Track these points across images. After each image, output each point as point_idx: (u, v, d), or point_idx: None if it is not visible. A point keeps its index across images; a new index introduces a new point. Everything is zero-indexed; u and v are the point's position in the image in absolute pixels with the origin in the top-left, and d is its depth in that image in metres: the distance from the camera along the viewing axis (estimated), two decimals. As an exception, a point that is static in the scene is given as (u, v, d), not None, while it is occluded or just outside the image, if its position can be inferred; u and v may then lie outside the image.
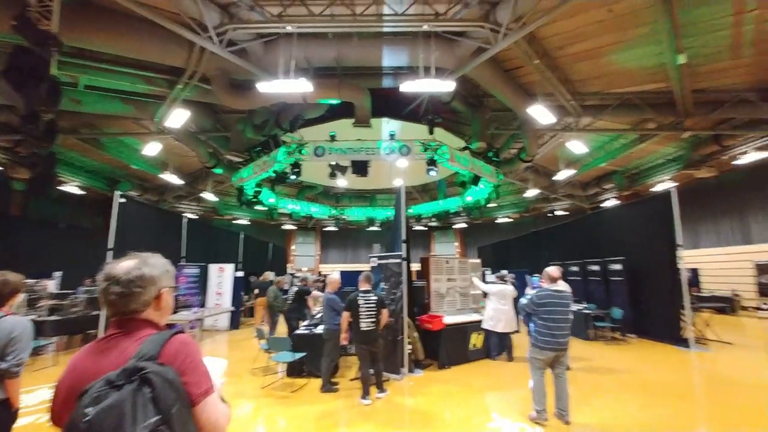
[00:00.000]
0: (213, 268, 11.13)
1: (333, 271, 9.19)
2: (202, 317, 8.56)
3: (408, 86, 7.00)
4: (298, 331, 5.85)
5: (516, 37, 7.02)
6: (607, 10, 7.16)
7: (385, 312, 4.64)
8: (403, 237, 5.86)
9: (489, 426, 4.01)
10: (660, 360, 6.72)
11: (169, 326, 1.26)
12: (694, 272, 14.04)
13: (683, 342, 7.45)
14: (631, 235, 9.33)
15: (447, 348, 6.26)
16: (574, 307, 8.48)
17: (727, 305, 12.23)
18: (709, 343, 7.76)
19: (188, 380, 1.05)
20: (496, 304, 6.43)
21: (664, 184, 14.63)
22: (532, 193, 17.93)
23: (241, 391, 5.13)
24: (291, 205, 18.52)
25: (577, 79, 10.03)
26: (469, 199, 15.18)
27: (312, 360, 5.41)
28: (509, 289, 6.59)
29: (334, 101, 9.03)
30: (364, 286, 4.70)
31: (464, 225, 26.99)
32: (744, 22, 7.32)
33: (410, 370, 5.78)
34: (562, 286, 3.84)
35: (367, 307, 4.51)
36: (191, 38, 7.07)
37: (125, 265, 1.16)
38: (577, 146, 12.44)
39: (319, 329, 5.34)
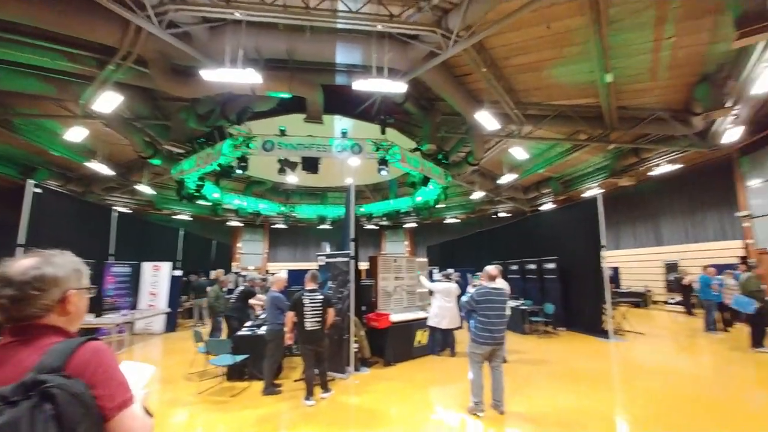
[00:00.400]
0: (147, 267, 10.30)
1: (281, 270, 8.91)
2: (132, 320, 7.89)
3: (360, 84, 6.99)
4: (240, 332, 5.60)
5: (465, 45, 7.29)
6: (545, 27, 7.67)
7: (331, 311, 4.60)
8: (352, 235, 5.85)
9: (431, 419, 4.14)
10: (584, 350, 7.39)
11: (89, 331, 1.13)
12: (615, 271, 15.58)
13: (604, 333, 8.25)
14: (563, 236, 10.12)
15: (393, 345, 6.36)
16: (512, 303, 9.07)
17: (641, 300, 13.73)
18: (625, 333, 8.69)
19: (100, 393, 0.94)
20: (441, 302, 6.64)
21: (592, 190, 16.07)
22: (478, 195, 18.76)
23: (176, 399, 4.81)
24: (237, 201, 17.67)
25: (521, 89, 10.68)
26: (419, 199, 15.53)
27: (254, 362, 5.22)
28: (453, 287, 6.82)
29: (285, 95, 8.76)
30: (309, 285, 4.62)
31: (414, 225, 27.59)
32: (662, 48, 8.24)
33: (356, 369, 5.79)
34: (500, 284, 4.08)
35: (312, 307, 4.44)
36: (126, 16, 6.46)
37: (22, 265, 1.02)
38: (519, 152, 13.25)
39: (263, 330, 5.15)
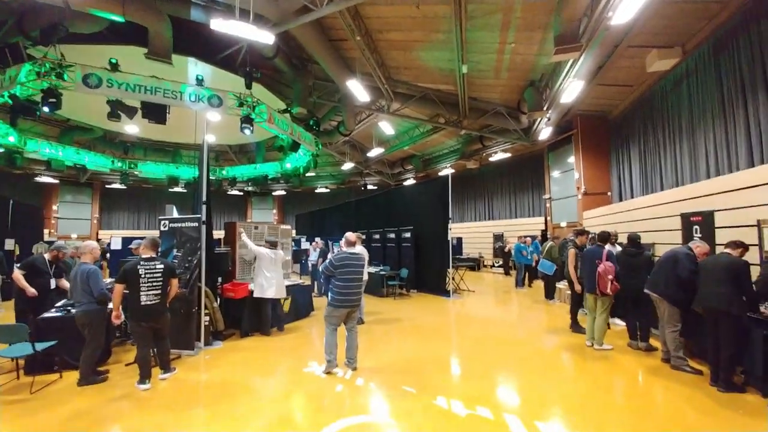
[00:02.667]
0: None
1: (106, 238, 7.27)
2: None
3: (219, 25, 6.06)
4: (46, 315, 4.44)
5: (340, 6, 7.06)
6: (416, 7, 8.00)
7: (174, 282, 4.03)
8: (204, 198, 5.20)
9: (283, 382, 4.15)
10: (430, 308, 8.53)
11: None
12: (459, 240, 18.29)
13: (446, 293, 9.67)
14: (419, 209, 11.23)
15: (251, 316, 6.08)
16: (372, 269, 9.76)
17: (475, 264, 16.54)
18: (462, 292, 10.37)
19: None
20: (266, 270, 6.00)
21: (447, 170, 18.21)
22: (348, 166, 19.16)
23: (-67, 406, 3.56)
24: (48, 150, 13.69)
25: (392, 66, 11.07)
26: (288, 165, 14.91)
27: (69, 349, 4.24)
28: (280, 254, 6.27)
29: (117, 18, 6.96)
30: (146, 253, 3.92)
31: (283, 192, 26.59)
32: (505, 50, 9.60)
33: (207, 343, 5.34)
34: (359, 249, 4.24)
35: (150, 278, 3.80)
36: None
37: None
38: (387, 128, 13.89)
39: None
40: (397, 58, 10.68)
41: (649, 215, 7.90)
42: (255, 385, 4.07)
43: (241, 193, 26.53)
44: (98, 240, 20.13)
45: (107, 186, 23.06)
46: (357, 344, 4.40)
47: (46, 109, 7.43)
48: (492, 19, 8.36)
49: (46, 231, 20.40)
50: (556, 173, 15.08)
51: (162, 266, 3.92)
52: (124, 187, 20.69)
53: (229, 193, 24.79)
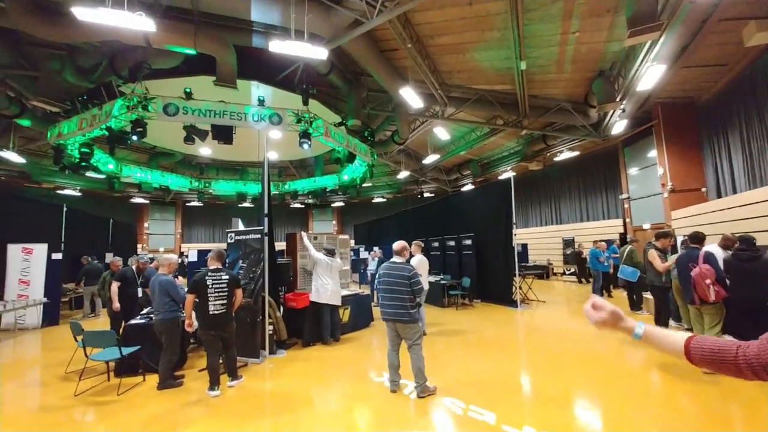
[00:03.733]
0: (14, 250, 8.54)
1: (188, 251, 7.96)
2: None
3: (277, 46, 6.36)
4: (132, 321, 4.88)
5: (390, 16, 7.04)
6: (468, 5, 7.73)
7: (239, 292, 4.18)
8: (266, 210, 5.40)
9: (346, 396, 4.05)
10: (496, 319, 7.98)
11: None
12: (524, 247, 17.20)
13: (513, 303, 9.02)
14: (479, 215, 10.72)
15: (312, 325, 6.15)
16: (432, 278, 9.45)
17: (543, 272, 15.38)
18: (530, 302, 9.62)
19: None
20: (321, 278, 6.07)
21: (507, 173, 17.32)
22: (403, 174, 19.11)
23: (44, 405, 4.03)
24: (139, 174, 15.53)
25: (444, 71, 10.84)
26: (345, 177, 15.24)
27: (150, 353, 4.60)
28: (337, 263, 6.24)
29: (190, 51, 7.67)
30: (213, 264, 4.13)
31: (342, 204, 27.31)
32: (568, 41, 8.90)
33: (272, 352, 5.48)
34: (416, 260, 3.99)
35: (216, 288, 3.98)
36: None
37: None
38: (442, 133, 13.60)
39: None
40: (449, 62, 10.43)
41: (763, 212, 6.66)
42: (317, 397, 4.03)
43: (303, 206, 27.81)
44: (181, 254, 22.34)
45: (187, 204, 25.60)
46: (418, 366, 3.84)
47: (135, 137, 8.42)
48: (552, 9, 7.80)
49: (139, 246, 23.19)
50: (633, 170, 13.57)
51: (227, 277, 4.08)
52: (201, 205, 22.75)
53: (291, 206, 26.13)
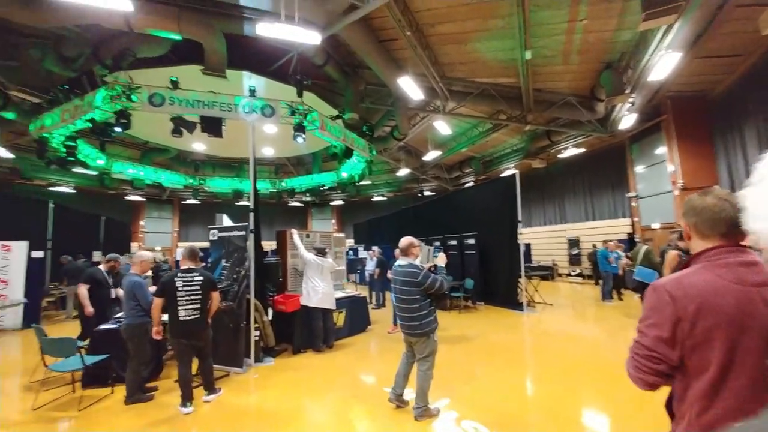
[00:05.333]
0: (-9, 248, 8.11)
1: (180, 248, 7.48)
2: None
3: (265, 29, 5.91)
4: (102, 327, 4.43)
5: (387, -1, 6.58)
6: (471, -10, 7.28)
7: (215, 295, 3.73)
8: (251, 205, 4.95)
9: (338, 409, 3.61)
10: (501, 323, 7.53)
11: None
12: (528, 246, 16.74)
13: (519, 306, 8.56)
14: (482, 213, 10.26)
15: (303, 330, 5.70)
16: (432, 279, 8.98)
17: (548, 273, 14.92)
18: (536, 305, 9.15)
19: None
20: (312, 280, 5.67)
21: (509, 171, 16.86)
22: (403, 172, 18.67)
23: (-3, 418, 3.60)
24: (131, 170, 15.08)
25: (445, 63, 10.37)
26: (344, 174, 14.80)
27: (123, 362, 4.16)
28: (328, 263, 5.80)
29: (175, 36, 7.22)
30: (185, 264, 3.68)
31: (341, 202, 26.88)
32: (575, 30, 8.43)
33: (257, 360, 5.04)
34: (404, 260, 3.48)
35: (188, 291, 3.53)
36: None
37: None
38: (443, 128, 13.13)
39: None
40: (451, 53, 9.97)
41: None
42: (305, 413, 3.60)
43: (302, 205, 27.37)
44: (193, 250, 21.89)
45: (183, 202, 25.13)
46: (421, 386, 3.38)
47: (118, 129, 7.98)
48: (559, -8, 7.35)
49: (135, 244, 22.75)
50: (641, 168, 13.11)
51: (201, 278, 3.63)
52: (198, 202, 22.30)
53: (289, 204, 25.67)
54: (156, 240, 25.31)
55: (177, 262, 11.11)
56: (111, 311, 5.00)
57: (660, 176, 11.93)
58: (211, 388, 3.85)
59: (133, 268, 3.94)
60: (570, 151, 14.51)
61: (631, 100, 9.86)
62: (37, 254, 8.51)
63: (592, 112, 11.41)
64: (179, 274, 3.58)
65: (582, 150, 14.59)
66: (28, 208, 11.06)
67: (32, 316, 8.29)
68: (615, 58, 9.37)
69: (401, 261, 3.47)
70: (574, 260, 14.81)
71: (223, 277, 4.91)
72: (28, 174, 16.58)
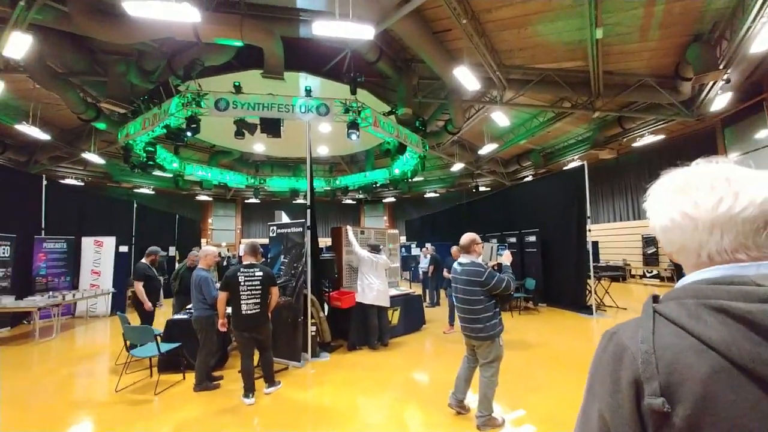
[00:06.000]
0: (87, 243, 9.19)
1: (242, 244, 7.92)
2: (60, 302, 6.89)
3: (321, 28, 5.96)
4: (174, 317, 4.76)
5: (443, -15, 6.31)
6: (535, -33, 6.74)
7: (274, 290, 3.80)
8: (308, 202, 5.01)
9: (395, 416, 3.50)
10: (568, 329, 6.92)
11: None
12: (595, 244, 15.41)
13: (587, 309, 7.84)
14: (545, 208, 9.57)
15: (358, 327, 5.68)
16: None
17: (620, 274, 13.60)
18: (607, 309, 8.33)
19: None
20: (366, 277, 5.61)
21: (574, 163, 15.61)
22: (457, 167, 18.11)
23: (85, 399, 3.98)
24: (201, 172, 16.32)
25: (503, 50, 9.79)
26: (396, 171, 14.69)
27: (193, 351, 4.42)
28: (382, 260, 5.70)
29: (237, 43, 7.59)
30: (247, 259, 3.79)
31: (393, 199, 26.88)
32: (657, 1, 7.49)
33: (314, 355, 5.10)
34: (466, 259, 3.23)
35: (249, 286, 3.63)
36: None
37: None
38: (500, 118, 12.48)
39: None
40: (509, 39, 9.38)
41: None
42: (360, 413, 3.53)
43: (354, 202, 27.84)
44: (254, 246, 23.42)
45: (245, 201, 26.83)
46: (485, 393, 3.12)
47: (189, 134, 8.61)
48: (639, -42, 6.54)
49: (204, 240, 24.77)
50: (736, 154, 11.36)
51: (261, 273, 3.71)
52: (258, 201, 23.62)
53: (343, 202, 26.21)
54: (221, 236, 27.37)
55: (239, 257, 11.78)
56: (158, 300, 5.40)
57: (761, 164, 10.23)
58: (271, 381, 3.94)
59: (201, 263, 4.15)
60: (646, 138, 13.03)
61: (725, 76, 8.56)
62: (123, 248, 9.49)
63: (676, 94, 10.11)
64: (242, 269, 3.69)
65: (661, 137, 13.04)
66: (117, 208, 12.42)
67: (119, 304, 9.28)
68: (706, 29, 8.18)
69: (463, 259, 3.24)
70: (651, 260, 13.32)
71: (281, 273, 5.03)
72: (117, 177, 18.70)
